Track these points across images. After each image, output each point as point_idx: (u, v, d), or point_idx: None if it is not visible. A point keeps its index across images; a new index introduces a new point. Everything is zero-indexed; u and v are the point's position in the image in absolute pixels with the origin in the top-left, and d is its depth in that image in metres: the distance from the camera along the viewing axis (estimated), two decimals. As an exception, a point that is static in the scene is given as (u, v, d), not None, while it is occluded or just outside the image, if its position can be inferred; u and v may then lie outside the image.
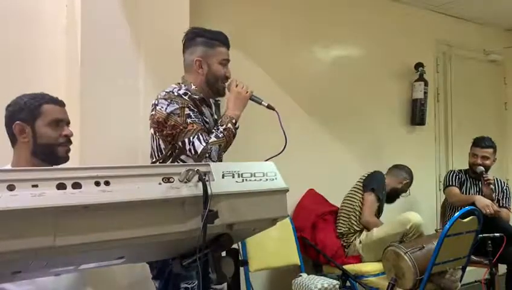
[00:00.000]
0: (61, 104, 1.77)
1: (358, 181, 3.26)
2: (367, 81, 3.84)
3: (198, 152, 1.82)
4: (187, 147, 1.84)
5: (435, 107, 4.35)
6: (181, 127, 1.84)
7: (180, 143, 1.86)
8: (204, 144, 1.83)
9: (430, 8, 4.26)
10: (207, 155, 1.82)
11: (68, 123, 1.77)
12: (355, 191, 3.23)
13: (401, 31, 4.06)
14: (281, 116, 1.92)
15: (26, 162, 1.69)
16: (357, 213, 3.14)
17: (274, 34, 3.34)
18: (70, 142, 1.75)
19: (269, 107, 1.97)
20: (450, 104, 4.47)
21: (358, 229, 3.11)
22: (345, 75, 3.73)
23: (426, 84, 4.05)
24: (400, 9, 4.08)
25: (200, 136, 1.85)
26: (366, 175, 3.26)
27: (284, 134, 1.87)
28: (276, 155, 1.73)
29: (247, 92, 1.98)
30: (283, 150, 1.80)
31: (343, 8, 3.73)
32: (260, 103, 2.00)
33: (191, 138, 1.84)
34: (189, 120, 1.86)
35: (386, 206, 3.34)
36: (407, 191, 3.42)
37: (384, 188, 3.22)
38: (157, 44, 2.44)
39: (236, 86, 1.98)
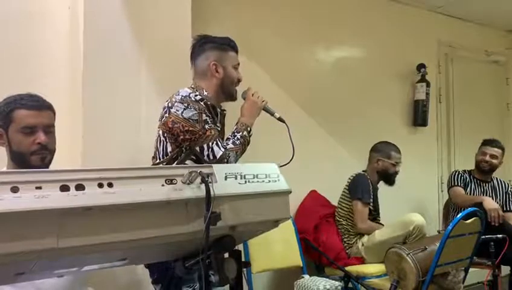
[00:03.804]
0: (37, 107, 1.64)
1: (346, 186, 3.21)
2: (369, 82, 3.84)
3: (218, 157, 1.84)
4: (205, 153, 1.85)
5: (437, 108, 4.34)
6: (200, 133, 1.85)
7: (197, 149, 1.86)
8: (223, 150, 1.85)
9: (432, 9, 4.26)
10: (225, 161, 1.84)
11: (49, 127, 1.66)
12: (343, 197, 3.19)
13: (403, 32, 4.06)
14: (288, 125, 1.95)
15: (9, 166, 1.67)
16: (350, 219, 3.12)
17: (276, 36, 3.34)
18: (45, 149, 1.63)
19: (280, 119, 2.03)
20: (452, 105, 4.47)
21: (356, 232, 3.10)
22: (347, 77, 3.73)
23: (428, 85, 4.05)
24: (402, 10, 4.08)
25: (218, 141, 1.87)
26: (350, 178, 3.20)
27: (292, 146, 1.89)
28: (281, 166, 1.73)
29: (262, 101, 2.04)
30: (289, 162, 1.77)
31: (345, 10, 3.73)
32: (272, 114, 2.06)
33: (210, 143, 1.85)
34: (207, 126, 1.87)
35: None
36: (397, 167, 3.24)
37: (369, 189, 3.14)
38: (160, 47, 2.44)
39: (253, 94, 2.03)
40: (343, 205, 3.17)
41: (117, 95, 2.34)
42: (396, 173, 3.24)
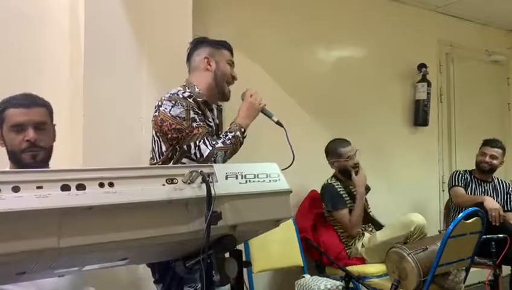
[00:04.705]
0: (26, 105, 1.64)
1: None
2: (370, 82, 3.84)
3: (204, 156, 1.82)
4: (192, 151, 1.84)
5: (438, 108, 4.34)
6: (187, 131, 1.84)
7: (185, 147, 1.86)
8: (210, 148, 1.83)
9: (432, 9, 4.26)
10: (212, 159, 1.82)
11: (40, 124, 1.66)
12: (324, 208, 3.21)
13: (404, 31, 4.06)
14: (286, 128, 1.93)
15: (10, 166, 1.68)
16: (338, 225, 3.11)
17: (276, 36, 3.34)
18: (35, 146, 1.63)
19: (278, 123, 1.99)
20: (453, 105, 4.46)
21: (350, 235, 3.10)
22: (348, 76, 3.73)
23: (429, 85, 4.05)
24: (403, 10, 4.08)
25: (206, 140, 1.85)
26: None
27: (292, 151, 1.86)
28: (282, 170, 1.72)
29: (260, 104, 2.00)
30: (289, 166, 1.75)
31: (346, 9, 3.73)
32: (270, 118, 2.02)
33: (197, 142, 1.84)
34: (194, 124, 1.85)
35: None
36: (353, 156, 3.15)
37: (337, 194, 3.11)
38: (160, 48, 2.44)
39: (251, 96, 2.00)
40: (327, 214, 3.18)
41: (117, 95, 2.34)
42: (355, 165, 3.14)
